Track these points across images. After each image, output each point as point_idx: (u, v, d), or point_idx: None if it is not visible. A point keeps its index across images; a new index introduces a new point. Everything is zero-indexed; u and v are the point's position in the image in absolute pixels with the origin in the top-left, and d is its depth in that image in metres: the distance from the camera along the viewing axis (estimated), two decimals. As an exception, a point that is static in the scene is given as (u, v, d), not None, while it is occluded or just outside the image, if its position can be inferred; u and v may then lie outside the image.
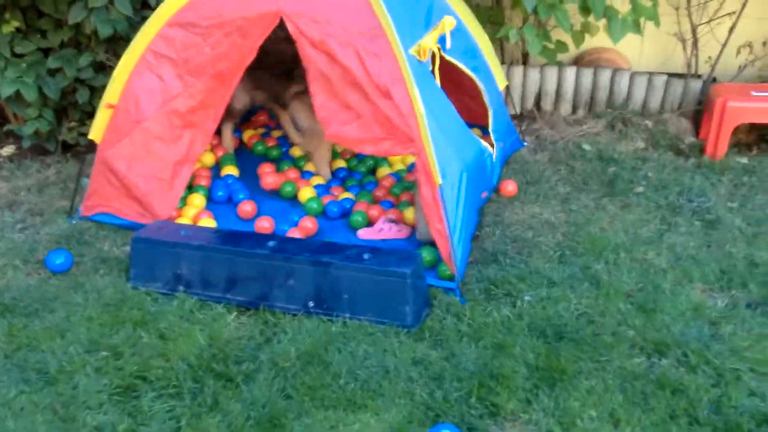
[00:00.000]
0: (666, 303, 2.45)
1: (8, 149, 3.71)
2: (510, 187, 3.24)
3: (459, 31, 3.18)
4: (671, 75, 4.22)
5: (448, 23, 2.86)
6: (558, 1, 3.38)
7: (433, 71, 2.70)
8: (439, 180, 2.50)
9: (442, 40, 2.85)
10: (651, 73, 3.98)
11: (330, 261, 2.43)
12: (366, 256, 2.45)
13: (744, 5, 3.91)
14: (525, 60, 4.09)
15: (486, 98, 3.11)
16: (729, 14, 3.97)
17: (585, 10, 3.56)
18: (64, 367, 2.23)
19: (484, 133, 3.32)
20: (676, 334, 2.30)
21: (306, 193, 3.18)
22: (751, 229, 2.93)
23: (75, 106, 3.50)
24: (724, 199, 3.17)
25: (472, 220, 2.83)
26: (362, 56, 2.58)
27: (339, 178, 3.47)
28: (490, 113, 3.18)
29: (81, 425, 2.03)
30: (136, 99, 2.86)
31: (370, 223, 3.01)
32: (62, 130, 3.54)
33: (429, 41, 2.69)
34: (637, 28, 3.59)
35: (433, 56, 2.74)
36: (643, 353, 2.24)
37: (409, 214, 2.99)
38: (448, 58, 2.89)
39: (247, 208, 3.11)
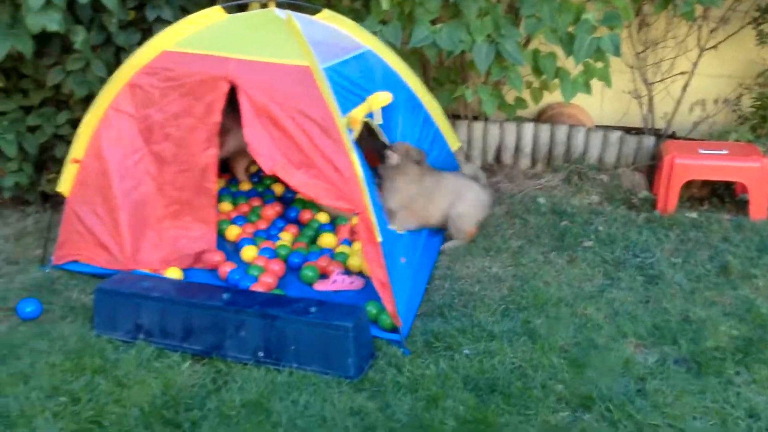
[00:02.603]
0: (597, 358, 2.58)
1: (-10, 199, 3.89)
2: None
3: (410, 102, 3.42)
4: (630, 130, 4.43)
5: (379, 100, 3.05)
6: (510, 63, 3.58)
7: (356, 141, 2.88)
8: (379, 237, 2.66)
9: (370, 116, 3.04)
10: (606, 129, 4.18)
11: (277, 314, 2.58)
12: (313, 309, 2.60)
13: (695, 65, 4.12)
14: (486, 115, 4.28)
15: None
16: (681, 73, 4.19)
17: (537, 71, 3.77)
18: (24, 412, 2.37)
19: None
20: (602, 389, 2.42)
21: (250, 252, 3.32)
22: (690, 285, 3.07)
23: (53, 159, 3.70)
24: (667, 255, 3.32)
25: (421, 276, 2.98)
26: (303, 122, 2.75)
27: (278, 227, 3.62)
28: None
29: (33, 470, 2.16)
30: (99, 154, 3.05)
31: (323, 276, 3.16)
32: (42, 181, 3.73)
33: (358, 113, 2.85)
34: (588, 89, 3.79)
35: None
36: (569, 407, 2.36)
37: (354, 262, 3.17)
38: (375, 127, 3.13)
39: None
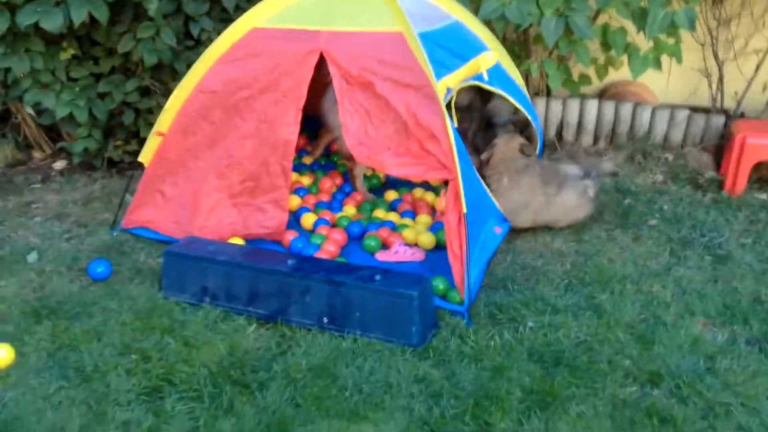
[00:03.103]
0: (665, 335, 2.53)
1: (60, 163, 4.03)
2: None
3: (496, 66, 3.35)
4: (697, 109, 4.28)
5: (487, 59, 3.02)
6: (578, 37, 3.49)
7: (448, 106, 2.85)
8: (464, 208, 2.65)
9: (479, 77, 3.01)
10: (673, 108, 4.05)
11: (343, 281, 2.60)
12: (377, 277, 2.61)
13: (770, 43, 3.96)
14: (548, 91, 4.20)
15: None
16: (756, 52, 4.02)
17: (606, 46, 3.67)
18: (98, 367, 2.45)
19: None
20: (671, 366, 2.37)
21: (309, 218, 3.35)
22: (761, 266, 2.97)
23: (121, 126, 3.79)
24: (737, 235, 3.22)
25: (488, 249, 2.97)
26: (400, 88, 2.75)
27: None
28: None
29: (110, 420, 2.23)
30: (183, 129, 3.10)
31: (384, 246, 3.17)
32: (109, 148, 3.83)
33: (453, 78, 2.84)
34: (658, 65, 3.68)
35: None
36: (636, 383, 2.32)
37: (415, 235, 3.17)
38: (489, 88, 3.08)
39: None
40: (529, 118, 3.45)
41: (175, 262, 2.86)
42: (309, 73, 2.93)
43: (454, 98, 2.87)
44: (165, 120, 3.14)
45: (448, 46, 2.95)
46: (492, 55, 3.02)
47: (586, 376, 2.34)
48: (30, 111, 3.86)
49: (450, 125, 2.64)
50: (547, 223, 3.23)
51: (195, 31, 3.59)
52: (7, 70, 3.44)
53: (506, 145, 3.14)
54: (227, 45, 3.04)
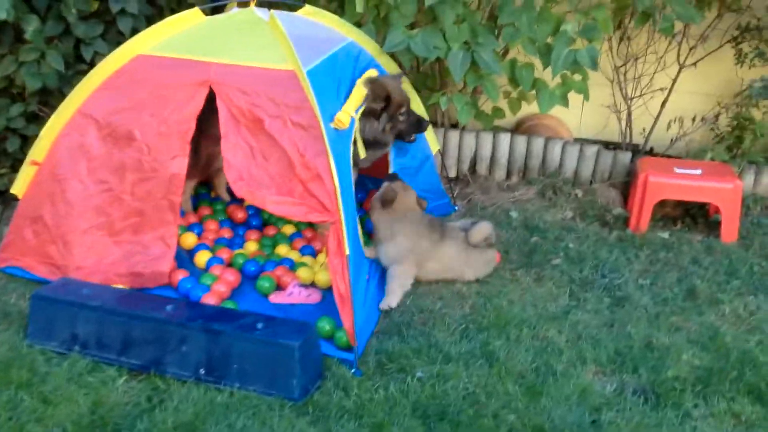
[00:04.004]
0: (554, 385, 2.46)
1: (-63, 192, 3.71)
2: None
3: None
4: (609, 144, 4.32)
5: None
6: (485, 72, 3.46)
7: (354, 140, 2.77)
8: (347, 251, 2.54)
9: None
10: (584, 143, 4.07)
11: (221, 329, 2.44)
12: (260, 325, 2.46)
13: (674, 81, 4.03)
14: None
15: (392, 168, 3.16)
16: (660, 89, 4.09)
17: (514, 82, 3.65)
18: (-62, 430, 2.22)
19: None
20: (555, 420, 2.30)
21: (203, 257, 3.17)
22: (655, 309, 2.96)
23: (6, 153, 3.53)
24: (636, 276, 3.21)
25: (379, 294, 2.87)
26: (289, 127, 2.66)
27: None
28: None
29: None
30: (57, 159, 2.90)
31: (279, 287, 3.02)
32: (-8, 176, 3.56)
33: (346, 109, 2.75)
34: (565, 101, 3.68)
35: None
36: (520, 439, 2.24)
37: (312, 275, 3.04)
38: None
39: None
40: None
41: (44, 306, 2.64)
42: (199, 105, 2.80)
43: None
44: (41, 148, 2.93)
45: (341, 74, 2.89)
46: (373, 71, 2.97)
47: (469, 433, 2.24)
48: None
49: (335, 167, 2.54)
50: (440, 275, 3.10)
51: (88, 55, 3.39)
52: None
53: (404, 193, 3.05)
54: (110, 71, 2.87)
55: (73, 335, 2.59)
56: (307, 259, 3.22)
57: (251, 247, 3.34)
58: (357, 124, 2.92)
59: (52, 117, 2.92)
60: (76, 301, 2.61)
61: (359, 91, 2.88)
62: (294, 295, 2.97)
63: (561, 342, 2.72)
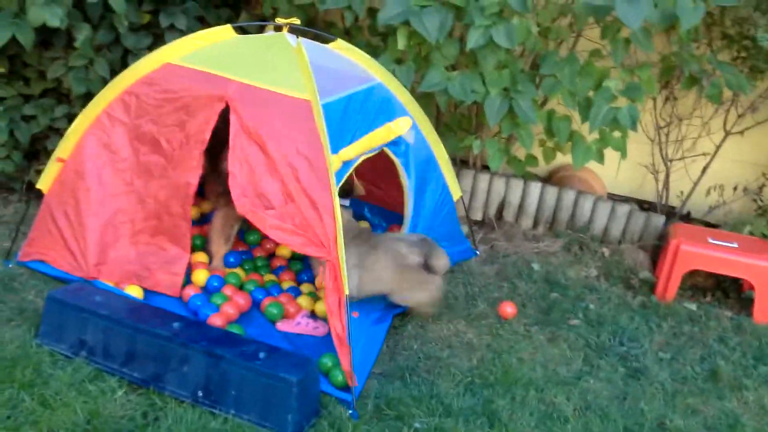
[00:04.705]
0: (554, 456, 2.37)
1: (-22, 182, 3.84)
2: (508, 309, 3.18)
3: (417, 140, 3.26)
4: (644, 203, 4.22)
5: (400, 125, 2.93)
6: (521, 121, 3.42)
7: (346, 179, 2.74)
8: (347, 290, 2.51)
9: (395, 142, 2.92)
10: (616, 201, 3.97)
11: (223, 354, 2.43)
12: (262, 354, 2.44)
13: (718, 147, 3.92)
14: (495, 168, 4.12)
15: (409, 213, 3.09)
16: (703, 154, 3.98)
17: (550, 132, 3.60)
18: (-63, 422, 2.25)
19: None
20: (551, 494, 2.21)
21: (200, 276, 3.17)
22: (673, 386, 2.84)
23: (46, 151, 3.63)
24: (656, 348, 3.09)
25: (377, 334, 2.82)
26: (292, 155, 2.63)
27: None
28: (405, 228, 3.14)
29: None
30: (83, 157, 2.97)
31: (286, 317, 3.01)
32: (30, 171, 3.66)
33: (347, 152, 2.73)
34: (601, 158, 3.61)
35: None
36: None
37: (312, 304, 3.03)
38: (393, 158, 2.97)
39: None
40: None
41: (57, 309, 2.68)
42: (213, 119, 2.81)
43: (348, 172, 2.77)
44: (67, 145, 3.00)
45: (359, 115, 2.87)
46: (404, 122, 2.92)
47: (459, 496, 2.17)
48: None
49: (338, 203, 2.52)
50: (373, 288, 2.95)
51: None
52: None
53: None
54: (138, 76, 2.92)
55: (81, 341, 2.62)
56: (305, 286, 3.22)
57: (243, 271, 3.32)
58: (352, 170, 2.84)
59: (79, 116, 2.98)
60: (87, 307, 2.63)
61: (372, 137, 2.84)
62: (301, 325, 2.95)
63: (568, 410, 2.62)
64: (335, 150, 2.62)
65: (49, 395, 2.40)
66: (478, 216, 4.03)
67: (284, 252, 3.51)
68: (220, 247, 3.30)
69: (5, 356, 2.56)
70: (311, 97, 2.65)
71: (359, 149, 2.76)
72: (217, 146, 2.96)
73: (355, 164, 2.81)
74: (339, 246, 2.51)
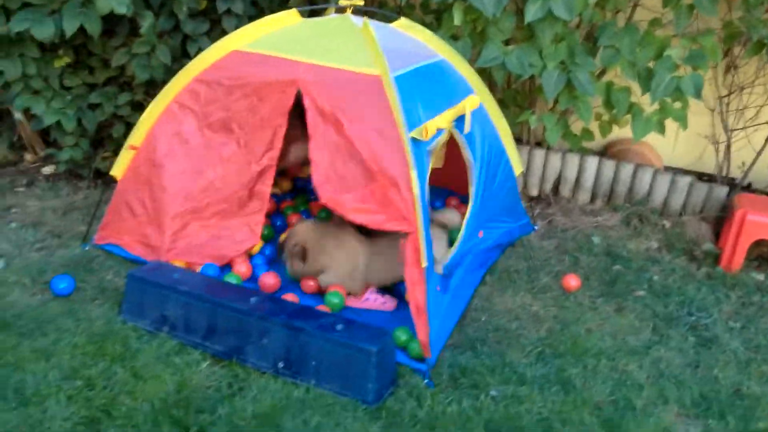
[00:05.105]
0: (633, 422, 2.38)
1: (48, 168, 3.99)
2: (572, 281, 3.19)
3: (480, 114, 3.26)
4: (703, 175, 4.16)
5: (473, 102, 2.94)
6: (580, 93, 3.40)
7: (430, 151, 2.75)
8: (425, 262, 2.55)
9: (459, 120, 2.94)
10: (676, 172, 3.92)
11: (303, 327, 2.50)
12: (339, 327, 2.50)
13: (782, 116, 3.84)
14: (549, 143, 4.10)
15: (473, 188, 3.11)
16: (767, 123, 3.90)
17: (609, 105, 3.57)
18: (39, 391, 2.36)
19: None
20: (633, 458, 2.23)
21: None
22: (746, 355, 2.82)
23: (111, 138, 3.75)
24: (726, 317, 3.07)
25: (457, 307, 2.85)
26: (368, 132, 2.67)
27: None
28: (470, 204, 3.09)
29: (40, 451, 2.15)
30: (155, 145, 3.05)
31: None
32: (97, 158, 3.78)
33: (436, 123, 2.76)
34: (662, 129, 3.57)
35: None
36: (595, 472, 2.19)
37: None
38: (457, 139, 2.97)
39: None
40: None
41: (138, 287, 2.78)
42: (289, 102, 2.86)
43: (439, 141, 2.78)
44: (139, 133, 3.09)
45: (430, 86, 2.88)
46: (475, 98, 2.93)
47: (542, 459, 2.21)
48: (19, 116, 3.83)
49: (416, 176, 2.54)
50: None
51: (192, 50, 3.56)
52: (1, 72, 3.41)
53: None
54: (207, 64, 2.99)
55: (162, 316, 2.72)
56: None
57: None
58: (443, 138, 2.90)
59: (150, 105, 3.07)
60: (167, 284, 2.73)
61: (467, 103, 2.85)
62: (370, 300, 3.00)
63: (641, 377, 2.63)
64: (415, 121, 2.63)
65: (139, 367, 2.50)
66: (533, 192, 4.03)
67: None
68: None
69: (94, 332, 2.68)
70: (382, 72, 2.67)
71: (444, 121, 2.77)
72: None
73: (441, 136, 2.79)
74: (418, 218, 2.54)
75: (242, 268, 3.10)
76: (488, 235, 3.21)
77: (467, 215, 2.98)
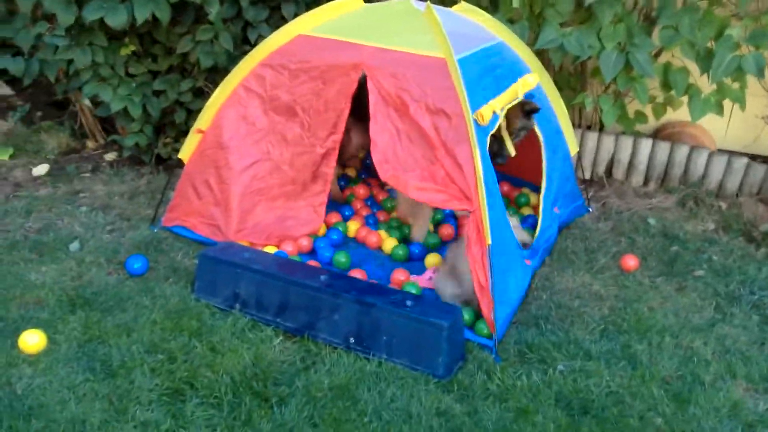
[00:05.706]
0: (702, 395, 2.41)
1: (111, 155, 4.13)
2: (631, 261, 3.21)
3: (538, 92, 3.28)
4: (757, 157, 4.12)
5: (528, 81, 2.97)
6: (638, 75, 3.40)
7: (494, 135, 2.79)
8: (489, 240, 2.60)
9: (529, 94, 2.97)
10: (731, 155, 3.90)
11: (373, 303, 2.57)
12: (409, 302, 2.57)
13: (842, 96, 3.78)
14: (601, 126, 4.10)
15: (545, 164, 3.13)
16: (825, 103, 3.85)
17: (666, 86, 3.56)
18: (125, 363, 2.48)
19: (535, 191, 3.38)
20: (706, 430, 2.26)
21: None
22: (812, 332, 2.82)
23: (172, 124, 3.86)
24: (789, 296, 3.06)
25: (521, 284, 2.90)
26: (433, 114, 2.72)
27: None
28: (544, 180, 3.17)
29: (130, 419, 2.25)
30: (221, 129, 3.14)
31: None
32: (158, 144, 3.90)
33: (492, 106, 2.79)
34: (720, 110, 3.55)
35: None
36: (668, 444, 2.22)
37: (433, 259, 3.16)
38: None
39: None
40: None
41: (209, 266, 2.88)
42: (353, 86, 2.93)
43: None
44: (206, 117, 3.18)
45: (491, 69, 2.92)
46: (533, 78, 2.95)
47: (615, 429, 2.25)
48: (87, 102, 3.96)
49: (479, 155, 2.58)
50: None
51: (252, 37, 3.64)
52: (70, 61, 3.54)
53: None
54: (273, 48, 3.06)
55: (234, 294, 2.81)
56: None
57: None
58: (502, 122, 2.94)
59: (217, 90, 3.16)
60: (239, 263, 2.82)
61: (523, 83, 2.89)
62: (433, 279, 3.06)
63: (707, 353, 2.65)
64: (478, 103, 2.67)
65: (216, 341, 2.61)
66: (586, 175, 4.04)
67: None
68: None
69: (170, 309, 2.79)
70: (446, 55, 2.72)
71: (504, 101, 2.81)
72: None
73: (500, 119, 2.82)
74: (481, 197, 2.59)
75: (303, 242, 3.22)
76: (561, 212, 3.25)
77: (542, 192, 3.02)
